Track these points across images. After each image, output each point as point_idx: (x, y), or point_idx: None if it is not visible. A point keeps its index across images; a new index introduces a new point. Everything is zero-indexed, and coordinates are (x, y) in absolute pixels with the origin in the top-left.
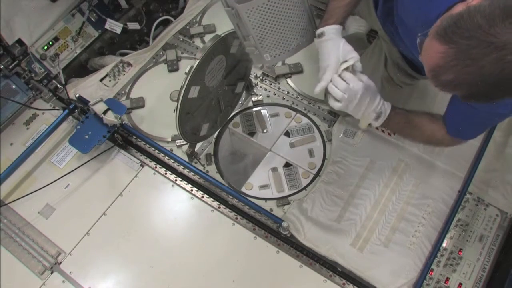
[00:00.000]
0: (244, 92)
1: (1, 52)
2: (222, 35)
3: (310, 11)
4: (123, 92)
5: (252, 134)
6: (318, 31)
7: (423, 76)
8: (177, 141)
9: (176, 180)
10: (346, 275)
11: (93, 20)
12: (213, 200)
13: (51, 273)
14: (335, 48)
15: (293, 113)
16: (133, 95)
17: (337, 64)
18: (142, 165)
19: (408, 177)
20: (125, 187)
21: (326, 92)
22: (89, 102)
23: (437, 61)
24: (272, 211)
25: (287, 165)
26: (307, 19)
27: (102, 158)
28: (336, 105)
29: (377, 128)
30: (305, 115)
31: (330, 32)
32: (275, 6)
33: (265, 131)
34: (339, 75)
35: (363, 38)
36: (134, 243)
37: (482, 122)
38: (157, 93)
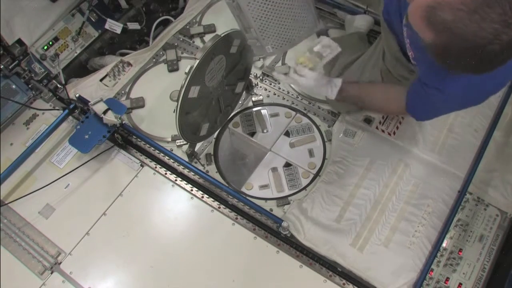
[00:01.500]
0: (244, 92)
1: (1, 52)
2: (222, 35)
3: (311, 1)
4: (123, 92)
5: (252, 134)
6: None
7: (408, 80)
8: (177, 141)
9: (176, 180)
10: (346, 275)
11: (93, 20)
12: (213, 200)
13: (51, 273)
14: None
15: (293, 113)
16: (133, 95)
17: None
18: (142, 165)
19: (408, 177)
20: (125, 187)
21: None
22: (89, 102)
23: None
24: (272, 211)
25: (287, 165)
26: (308, 10)
27: (102, 158)
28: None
29: (376, 127)
30: (305, 115)
31: None
32: None
33: (265, 131)
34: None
35: (363, 38)
36: (134, 243)
37: (435, 107)
38: (157, 93)
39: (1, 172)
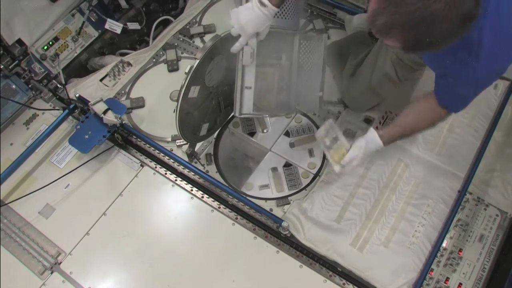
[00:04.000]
0: None
1: (1, 52)
2: (222, 35)
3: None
4: (123, 92)
5: (252, 134)
6: None
7: (422, 66)
8: (177, 141)
9: (176, 180)
10: (346, 275)
11: (93, 20)
12: (213, 200)
13: (51, 273)
14: (261, 23)
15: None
16: (133, 95)
17: (252, 34)
18: (142, 165)
19: (408, 177)
20: (125, 187)
21: None
22: (89, 102)
23: (373, 5)
24: (272, 211)
25: (287, 165)
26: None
27: (102, 158)
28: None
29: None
30: (305, 115)
31: (271, 9)
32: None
33: (265, 131)
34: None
35: (366, 36)
36: (134, 243)
37: (464, 93)
38: (157, 93)
39: (1, 172)
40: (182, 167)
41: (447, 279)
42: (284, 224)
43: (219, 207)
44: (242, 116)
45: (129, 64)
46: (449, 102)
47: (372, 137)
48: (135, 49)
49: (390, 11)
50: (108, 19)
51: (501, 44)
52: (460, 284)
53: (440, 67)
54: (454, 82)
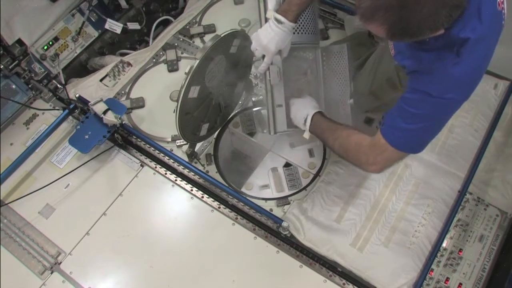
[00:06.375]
0: (244, 92)
1: (1, 52)
2: (222, 35)
3: None
4: (123, 92)
5: (252, 134)
6: (277, 16)
7: None
8: (177, 141)
9: (176, 180)
10: (346, 275)
11: (93, 20)
12: (213, 200)
13: (51, 273)
14: (282, 40)
15: None
16: (133, 95)
17: (276, 51)
18: (142, 165)
19: (408, 177)
20: (125, 187)
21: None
22: (89, 102)
23: None
24: (272, 211)
25: (287, 165)
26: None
27: (102, 158)
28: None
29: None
30: None
31: (288, 25)
32: None
33: (265, 131)
34: None
35: (365, 36)
36: (134, 243)
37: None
38: (157, 93)
39: (1, 172)
40: (182, 167)
41: (447, 279)
42: (284, 224)
43: (219, 207)
44: (277, 134)
45: (129, 64)
46: (394, 129)
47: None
48: (135, 49)
49: None
50: (108, 19)
51: (481, 50)
52: (460, 284)
53: (415, 60)
54: (425, 80)
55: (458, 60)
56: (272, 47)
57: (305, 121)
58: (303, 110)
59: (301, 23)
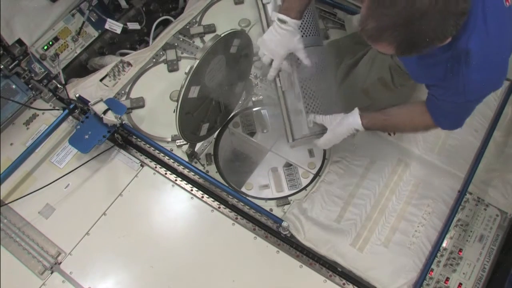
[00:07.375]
0: (244, 92)
1: (1, 52)
2: (222, 35)
3: None
4: (123, 92)
5: (252, 134)
6: (280, 16)
7: None
8: (177, 141)
9: (176, 180)
10: (346, 275)
11: (93, 20)
12: (213, 200)
13: (51, 273)
14: (289, 40)
15: None
16: (133, 95)
17: (285, 54)
18: (142, 165)
19: (408, 177)
20: (125, 187)
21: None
22: (89, 102)
23: (363, 12)
24: (272, 211)
25: (287, 165)
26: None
27: (102, 158)
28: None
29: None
30: None
31: (293, 23)
32: None
33: (265, 131)
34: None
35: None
36: (134, 243)
37: (453, 107)
38: (157, 93)
39: (1, 172)
40: (182, 167)
41: (447, 279)
42: (284, 224)
43: (219, 207)
44: (296, 140)
45: (129, 64)
46: (436, 113)
47: (353, 118)
48: (135, 49)
49: (379, 14)
50: (108, 19)
51: (490, 60)
52: (460, 284)
53: (429, 77)
54: (443, 93)
55: (468, 71)
56: (280, 50)
57: (356, 130)
58: (344, 122)
59: (304, 25)
